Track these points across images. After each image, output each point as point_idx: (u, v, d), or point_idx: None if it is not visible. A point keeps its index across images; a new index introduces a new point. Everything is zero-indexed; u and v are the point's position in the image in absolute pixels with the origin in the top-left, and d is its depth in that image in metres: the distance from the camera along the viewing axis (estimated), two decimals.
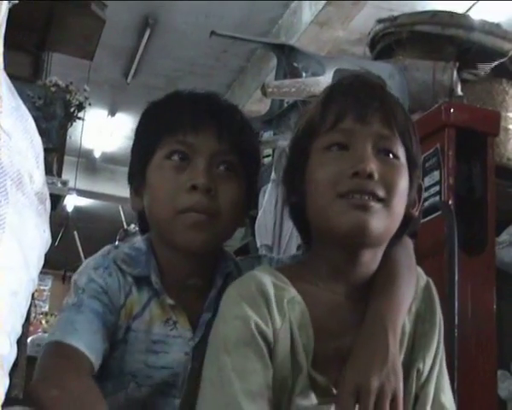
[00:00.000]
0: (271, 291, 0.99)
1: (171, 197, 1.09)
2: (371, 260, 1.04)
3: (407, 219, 1.06)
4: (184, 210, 1.08)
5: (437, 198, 1.62)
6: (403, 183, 1.02)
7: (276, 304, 0.99)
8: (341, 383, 0.95)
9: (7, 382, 0.81)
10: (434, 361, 1.07)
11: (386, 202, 0.99)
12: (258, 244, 2.48)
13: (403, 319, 1.03)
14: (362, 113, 1.02)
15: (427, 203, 1.64)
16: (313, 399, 0.99)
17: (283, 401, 0.98)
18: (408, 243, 1.13)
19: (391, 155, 1.02)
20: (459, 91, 2.09)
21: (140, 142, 1.18)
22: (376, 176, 0.98)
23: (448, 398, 1.08)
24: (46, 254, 0.93)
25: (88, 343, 1.01)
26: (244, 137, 1.16)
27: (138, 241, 1.17)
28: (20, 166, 0.86)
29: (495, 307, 1.59)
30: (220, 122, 1.13)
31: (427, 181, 1.65)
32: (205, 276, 1.15)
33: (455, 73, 2.08)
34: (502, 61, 2.18)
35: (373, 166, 0.98)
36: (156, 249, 1.14)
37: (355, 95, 1.04)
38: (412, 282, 1.07)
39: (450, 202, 1.59)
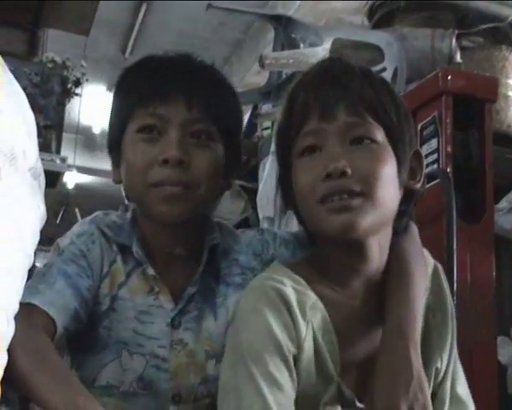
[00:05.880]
0: (293, 297, 0.96)
1: (143, 171, 1.08)
2: (378, 249, 1.00)
3: (409, 192, 1.03)
4: (156, 184, 1.07)
5: (435, 166, 1.61)
6: (384, 166, 0.97)
7: (299, 310, 0.96)
8: None
9: (5, 358, 0.81)
10: (450, 356, 1.05)
11: (366, 194, 0.95)
12: (261, 217, 2.47)
13: (420, 322, 1.00)
14: (325, 109, 0.98)
15: (425, 171, 1.63)
16: None
17: None
18: (413, 230, 1.10)
19: (365, 141, 0.98)
20: (458, 59, 2.07)
21: (113, 115, 1.16)
22: (349, 171, 0.94)
23: (464, 389, 1.07)
24: (48, 232, 0.92)
25: (49, 301, 0.98)
26: (218, 100, 1.12)
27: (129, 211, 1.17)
28: (13, 142, 0.86)
29: (494, 273, 1.59)
30: (190, 89, 1.10)
31: (425, 149, 1.64)
32: (189, 246, 1.14)
33: (454, 40, 2.05)
34: (500, 25, 2.15)
35: (344, 163, 0.95)
36: (139, 220, 1.14)
37: (317, 90, 1.00)
38: (423, 276, 1.04)
39: (448, 170, 1.58)
